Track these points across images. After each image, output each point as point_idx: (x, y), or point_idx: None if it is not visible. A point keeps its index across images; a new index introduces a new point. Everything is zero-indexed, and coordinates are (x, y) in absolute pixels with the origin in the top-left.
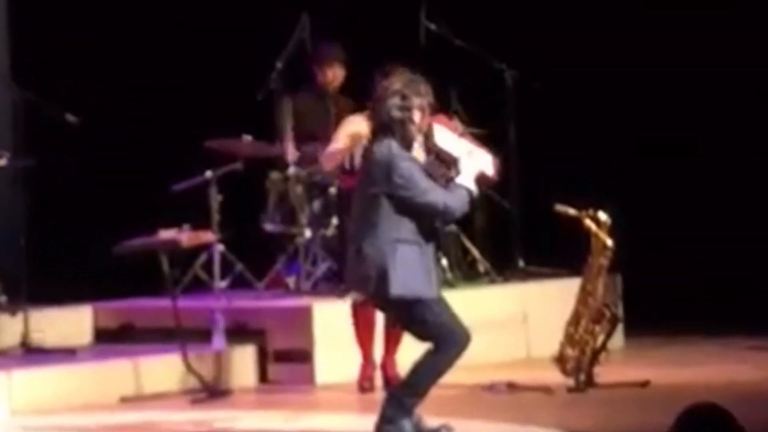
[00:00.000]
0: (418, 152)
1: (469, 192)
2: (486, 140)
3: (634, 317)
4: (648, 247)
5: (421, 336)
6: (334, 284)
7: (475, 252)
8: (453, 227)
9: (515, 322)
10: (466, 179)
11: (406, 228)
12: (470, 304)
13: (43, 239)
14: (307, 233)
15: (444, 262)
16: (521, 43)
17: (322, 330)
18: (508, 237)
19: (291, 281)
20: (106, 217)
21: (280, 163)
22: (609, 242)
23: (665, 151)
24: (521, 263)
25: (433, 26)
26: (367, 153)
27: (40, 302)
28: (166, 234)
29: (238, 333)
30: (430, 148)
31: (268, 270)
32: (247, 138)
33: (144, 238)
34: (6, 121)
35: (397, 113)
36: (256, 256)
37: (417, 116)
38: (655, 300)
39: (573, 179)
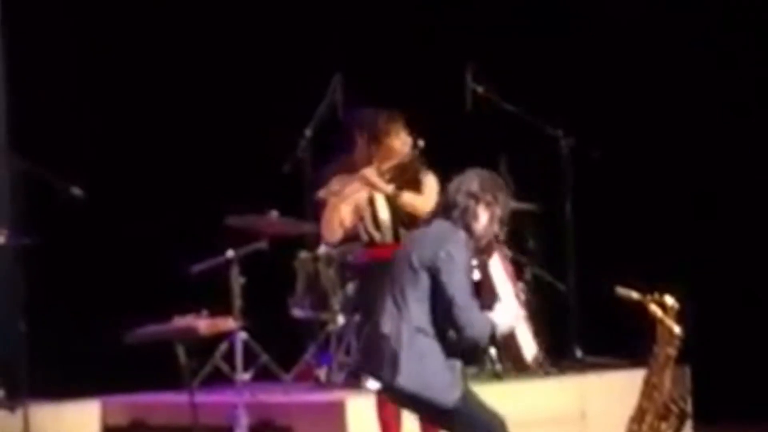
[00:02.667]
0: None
1: (495, 329)
2: (539, 217)
3: (704, 413)
4: (720, 335)
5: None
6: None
7: None
8: None
9: (572, 419)
10: (500, 322)
11: (429, 319)
12: (521, 398)
13: (46, 325)
14: (340, 319)
15: (492, 351)
16: (578, 106)
17: (356, 427)
18: (563, 323)
19: (322, 373)
20: (116, 302)
21: (310, 242)
22: (677, 329)
23: (741, 229)
24: (579, 353)
25: (480, 89)
26: (421, 227)
27: (42, 396)
28: (182, 321)
29: (263, 431)
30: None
31: (296, 360)
32: (273, 214)
33: (158, 325)
34: (4, 193)
35: (462, 199)
36: (283, 345)
37: (484, 216)
38: (728, 394)
39: (636, 259)
